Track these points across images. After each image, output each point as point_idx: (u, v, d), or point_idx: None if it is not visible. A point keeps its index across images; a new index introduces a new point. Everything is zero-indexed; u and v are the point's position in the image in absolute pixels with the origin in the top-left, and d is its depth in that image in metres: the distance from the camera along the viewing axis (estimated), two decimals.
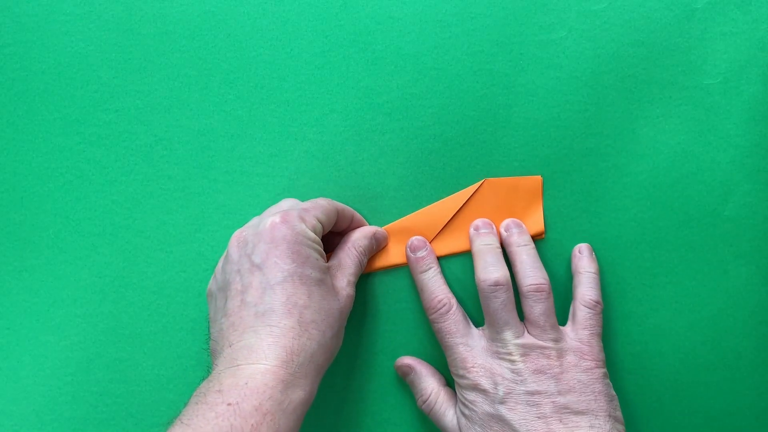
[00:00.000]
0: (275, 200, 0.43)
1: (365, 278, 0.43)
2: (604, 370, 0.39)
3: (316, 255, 0.37)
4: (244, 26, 0.43)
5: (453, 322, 0.40)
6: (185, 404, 0.33)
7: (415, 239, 0.42)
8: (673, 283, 0.42)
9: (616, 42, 0.42)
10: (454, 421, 0.40)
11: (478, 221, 0.42)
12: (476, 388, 0.38)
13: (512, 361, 0.38)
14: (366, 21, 0.43)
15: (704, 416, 0.43)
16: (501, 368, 0.38)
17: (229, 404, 0.31)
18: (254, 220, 0.40)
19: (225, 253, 0.39)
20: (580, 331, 0.39)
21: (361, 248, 0.41)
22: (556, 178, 0.42)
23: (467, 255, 0.43)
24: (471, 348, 0.39)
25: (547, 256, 0.43)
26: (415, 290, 0.43)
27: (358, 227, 0.42)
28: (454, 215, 0.42)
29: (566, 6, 0.42)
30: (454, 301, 0.41)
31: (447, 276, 0.42)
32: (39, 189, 0.44)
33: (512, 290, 0.40)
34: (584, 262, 0.42)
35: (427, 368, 0.42)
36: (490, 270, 0.40)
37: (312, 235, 0.37)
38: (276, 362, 0.33)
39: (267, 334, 0.34)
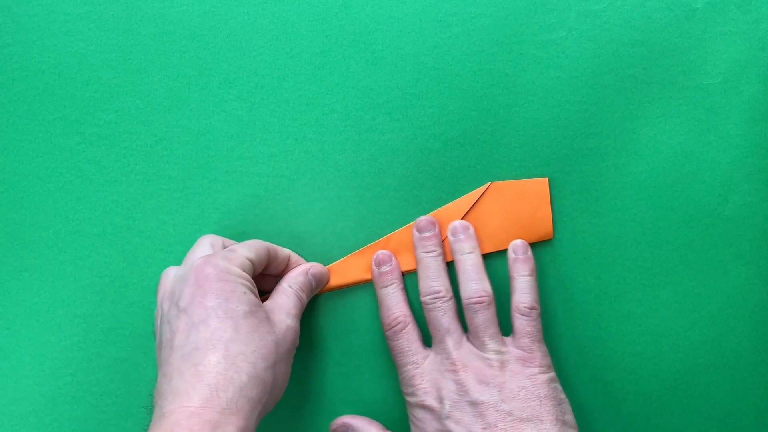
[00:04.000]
0: (275, 200, 0.43)
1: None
2: (551, 374, 0.39)
3: (243, 289, 0.36)
4: (244, 26, 0.43)
5: (406, 340, 0.40)
6: None
7: (381, 253, 0.42)
8: (673, 283, 0.42)
9: (616, 42, 0.42)
10: None
11: (422, 220, 0.42)
12: (424, 406, 0.38)
13: (455, 372, 0.38)
14: (366, 21, 0.43)
15: (704, 416, 0.43)
16: (446, 381, 0.38)
17: None
18: (178, 270, 0.39)
19: (156, 310, 0.38)
20: (520, 339, 0.39)
21: (296, 285, 0.40)
22: (555, 178, 0.42)
23: None
24: (419, 366, 0.39)
25: (546, 256, 0.43)
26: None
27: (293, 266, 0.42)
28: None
29: (566, 6, 0.42)
30: (410, 319, 0.41)
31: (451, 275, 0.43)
32: (39, 189, 0.44)
33: (454, 299, 0.40)
34: (518, 265, 0.41)
35: (364, 420, 0.42)
36: (429, 283, 0.40)
37: (237, 270, 0.37)
38: (200, 402, 0.31)
39: (192, 374, 0.32)
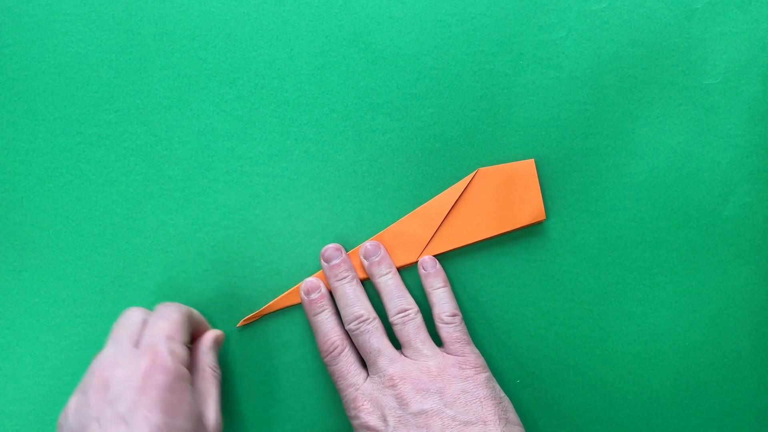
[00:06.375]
0: (275, 200, 0.43)
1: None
2: (487, 374, 0.39)
3: (189, 399, 0.35)
4: (244, 26, 0.43)
5: (345, 363, 0.40)
6: None
7: (309, 281, 0.42)
8: (673, 283, 0.42)
9: (616, 42, 0.42)
10: None
11: (327, 249, 0.42)
12: (368, 426, 0.38)
13: (393, 386, 0.38)
14: (366, 21, 0.43)
15: (704, 416, 0.43)
16: (386, 398, 0.38)
17: None
18: (112, 348, 0.36)
19: (80, 388, 0.35)
20: (450, 345, 0.40)
21: (212, 363, 0.40)
22: (555, 177, 0.42)
23: (467, 252, 0.43)
24: (359, 388, 0.39)
25: (545, 256, 0.43)
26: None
27: (202, 329, 0.42)
28: (452, 209, 0.42)
29: (566, 6, 0.42)
30: (347, 342, 0.41)
31: (452, 275, 0.43)
32: (39, 189, 0.44)
33: (378, 319, 0.41)
34: (431, 280, 0.42)
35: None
36: (350, 310, 0.40)
37: (185, 372, 0.36)
38: None
39: None
